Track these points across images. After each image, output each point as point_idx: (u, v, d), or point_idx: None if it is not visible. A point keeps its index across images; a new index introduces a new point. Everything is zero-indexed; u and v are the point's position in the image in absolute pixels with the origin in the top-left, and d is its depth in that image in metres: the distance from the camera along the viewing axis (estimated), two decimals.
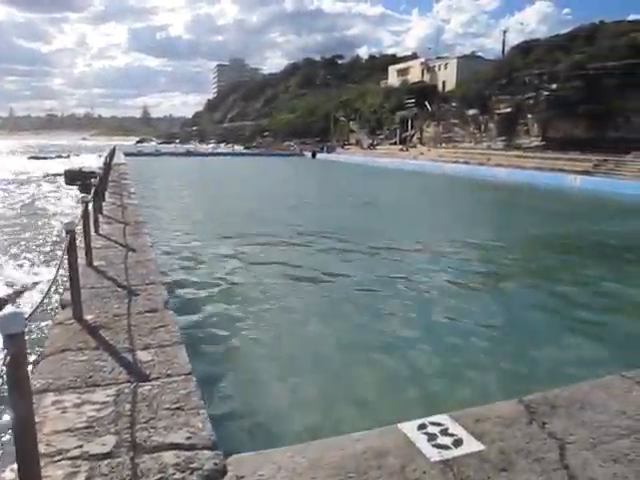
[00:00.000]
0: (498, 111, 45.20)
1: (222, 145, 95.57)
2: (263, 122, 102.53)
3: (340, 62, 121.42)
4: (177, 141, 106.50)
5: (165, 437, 2.86)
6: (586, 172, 30.87)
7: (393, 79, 78.45)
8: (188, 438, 2.85)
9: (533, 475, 2.54)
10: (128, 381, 3.51)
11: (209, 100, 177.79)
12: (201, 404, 3.25)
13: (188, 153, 70.82)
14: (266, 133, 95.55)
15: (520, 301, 8.98)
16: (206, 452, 2.74)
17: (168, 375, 3.61)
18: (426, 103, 59.67)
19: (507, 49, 58.41)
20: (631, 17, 57.04)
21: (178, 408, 3.17)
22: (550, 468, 2.60)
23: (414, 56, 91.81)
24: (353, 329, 7.29)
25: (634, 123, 34.46)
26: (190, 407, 3.19)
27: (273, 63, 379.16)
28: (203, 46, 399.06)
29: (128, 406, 3.17)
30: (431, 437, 2.83)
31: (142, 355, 3.92)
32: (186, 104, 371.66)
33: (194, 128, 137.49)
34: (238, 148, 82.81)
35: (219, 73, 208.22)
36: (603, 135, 35.92)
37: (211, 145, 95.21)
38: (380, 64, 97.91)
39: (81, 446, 2.74)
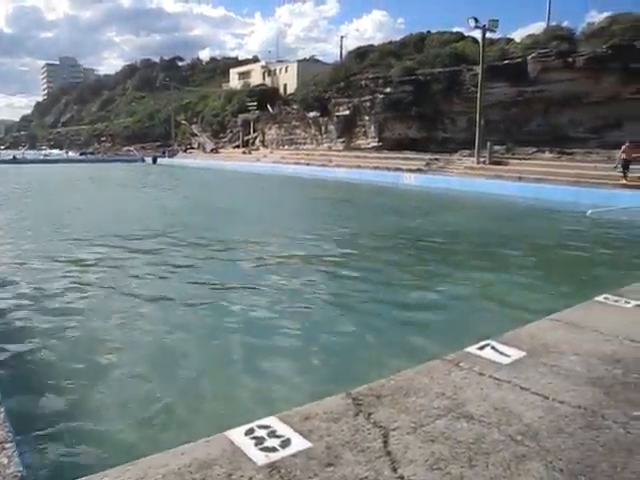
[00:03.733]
0: (337, 113, 46.75)
1: (55, 151, 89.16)
2: (100, 126, 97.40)
3: (180, 64, 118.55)
4: (2, 147, 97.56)
5: None
6: (419, 170, 33.10)
7: (235, 82, 78.31)
8: None
9: (358, 466, 2.57)
10: None
11: (38, 102, 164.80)
12: (9, 437, 2.89)
13: (15, 160, 65.16)
14: (104, 138, 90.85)
15: (335, 283, 9.62)
16: None
17: None
18: (268, 106, 60.27)
19: (345, 54, 60.83)
20: (455, 29, 62.25)
21: None
22: (374, 457, 2.64)
23: (256, 59, 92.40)
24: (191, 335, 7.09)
25: (459, 124, 37.44)
26: None
27: (111, 64, 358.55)
28: (29, 42, 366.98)
29: None
30: (259, 441, 2.76)
31: None
32: (11, 106, 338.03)
33: (22, 133, 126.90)
34: (73, 154, 77.68)
35: (49, 73, 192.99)
36: (434, 135, 38.72)
37: (43, 151, 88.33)
38: (222, 67, 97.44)
39: None
